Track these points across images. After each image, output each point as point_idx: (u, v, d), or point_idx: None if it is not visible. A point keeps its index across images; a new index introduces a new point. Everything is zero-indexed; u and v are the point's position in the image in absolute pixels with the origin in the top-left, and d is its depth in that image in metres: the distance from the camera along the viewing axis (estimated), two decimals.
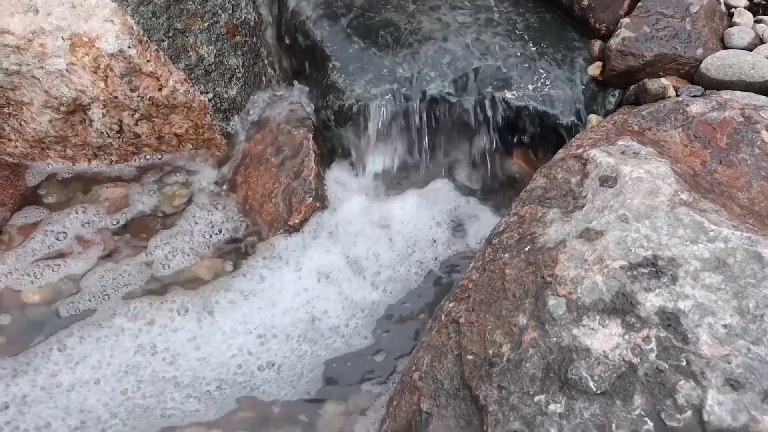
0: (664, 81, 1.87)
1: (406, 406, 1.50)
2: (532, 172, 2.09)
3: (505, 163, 2.13)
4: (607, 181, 1.59)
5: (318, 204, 1.97)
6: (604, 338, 1.33)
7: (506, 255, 1.57)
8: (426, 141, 2.09)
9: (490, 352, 1.42)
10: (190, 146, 2.19)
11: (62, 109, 2.09)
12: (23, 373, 1.70)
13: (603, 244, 1.45)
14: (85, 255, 1.98)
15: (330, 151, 2.13)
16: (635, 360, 1.29)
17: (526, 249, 1.54)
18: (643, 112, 1.82)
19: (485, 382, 1.38)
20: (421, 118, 2.05)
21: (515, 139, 2.10)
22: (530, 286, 1.47)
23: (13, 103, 2.10)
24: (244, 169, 2.10)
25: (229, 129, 2.18)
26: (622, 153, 1.67)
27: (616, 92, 2.01)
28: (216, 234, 1.99)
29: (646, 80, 1.90)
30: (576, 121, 2.00)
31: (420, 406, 1.46)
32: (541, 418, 1.29)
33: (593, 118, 1.98)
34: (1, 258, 1.96)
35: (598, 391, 1.28)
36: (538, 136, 2.06)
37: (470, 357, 1.44)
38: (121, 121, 2.12)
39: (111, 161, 2.18)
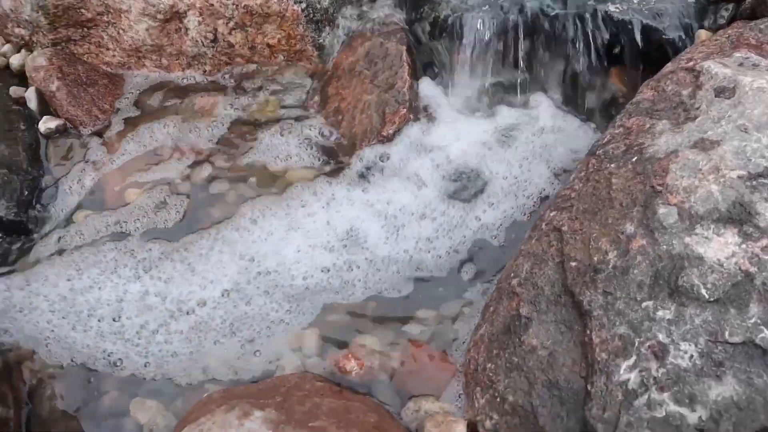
0: None
1: (504, 312, 1.50)
2: (630, 91, 2.03)
3: (604, 81, 2.06)
4: (724, 92, 1.52)
5: (411, 116, 1.96)
6: (719, 247, 1.29)
7: (612, 165, 1.53)
8: (522, 57, 2.03)
9: (595, 259, 1.40)
10: (282, 57, 2.19)
11: (159, 16, 2.11)
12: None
13: (719, 153, 1.40)
14: (181, 161, 2.02)
15: (422, 65, 2.10)
16: (753, 269, 1.25)
17: (634, 159, 1.50)
18: (761, 26, 1.72)
19: (590, 288, 1.37)
20: (518, 32, 2.00)
21: (615, 57, 2.02)
22: (638, 195, 1.43)
23: (111, 11, 2.14)
24: (336, 81, 2.09)
25: (320, 41, 2.17)
26: (740, 65, 1.59)
27: (729, 6, 1.90)
28: (307, 144, 2.00)
29: None
30: (683, 36, 1.91)
31: (519, 311, 1.46)
32: (648, 323, 1.28)
33: (702, 33, 1.89)
34: (103, 161, 2.02)
35: (711, 299, 1.26)
36: (641, 52, 1.98)
37: (573, 264, 1.43)
38: (215, 29, 2.13)
39: (205, 71, 2.21)
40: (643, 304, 1.30)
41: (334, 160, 1.96)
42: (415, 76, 2.04)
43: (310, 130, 2.04)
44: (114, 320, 1.68)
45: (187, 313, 1.69)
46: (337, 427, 1.26)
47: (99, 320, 1.68)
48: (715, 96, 1.52)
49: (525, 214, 1.82)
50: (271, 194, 1.90)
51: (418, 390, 1.53)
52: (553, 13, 1.94)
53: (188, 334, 1.65)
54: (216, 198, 1.92)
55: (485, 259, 1.76)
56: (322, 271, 1.74)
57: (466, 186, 1.88)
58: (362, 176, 1.89)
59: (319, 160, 1.97)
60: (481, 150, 1.95)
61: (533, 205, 1.84)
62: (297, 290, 1.72)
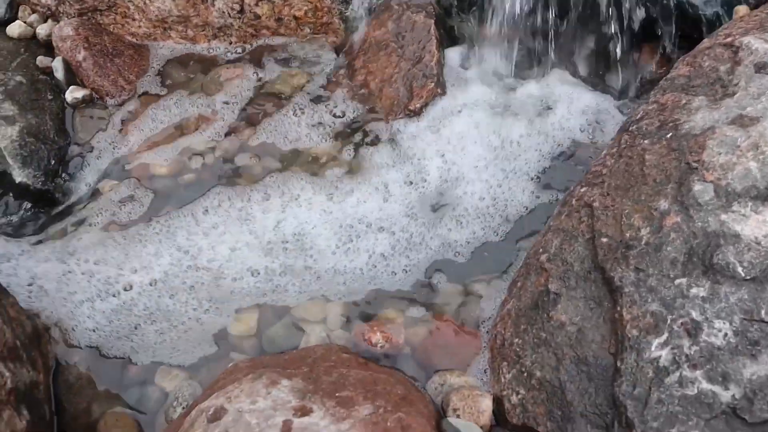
0: None
1: (532, 287, 1.49)
2: (663, 68, 1.99)
3: (635, 58, 2.03)
4: (765, 67, 1.48)
5: (439, 90, 1.94)
6: (757, 225, 1.27)
7: (645, 141, 1.50)
8: (552, 32, 2.00)
9: (627, 235, 1.38)
10: (309, 30, 2.17)
11: None
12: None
13: (759, 130, 1.36)
14: (206, 132, 2.02)
15: (450, 39, 2.07)
16: None
17: (668, 135, 1.47)
18: None
19: (621, 265, 1.35)
20: (549, 6, 1.96)
21: (648, 34, 1.98)
22: (673, 171, 1.41)
23: None
24: (363, 54, 2.07)
25: (347, 13, 2.14)
26: None
27: None
28: (334, 117, 1.99)
29: None
30: (720, 12, 1.87)
31: (548, 287, 1.44)
32: (681, 300, 1.26)
33: (741, 9, 1.84)
34: (129, 132, 2.02)
35: (747, 277, 1.23)
36: (674, 29, 1.94)
37: (604, 240, 1.41)
38: (242, 0, 2.11)
39: (230, 42, 2.19)
40: (676, 282, 1.28)
41: (360, 133, 1.94)
42: (443, 50, 2.02)
43: (336, 103, 2.02)
44: (142, 288, 1.69)
45: (234, 279, 1.69)
46: (364, 397, 1.26)
47: (124, 289, 1.69)
48: (755, 72, 1.48)
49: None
50: (297, 167, 1.89)
51: (443, 364, 1.53)
52: None
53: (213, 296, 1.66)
54: (241, 170, 1.91)
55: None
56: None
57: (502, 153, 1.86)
58: (380, 160, 1.88)
59: (345, 133, 1.96)
60: (510, 124, 1.93)
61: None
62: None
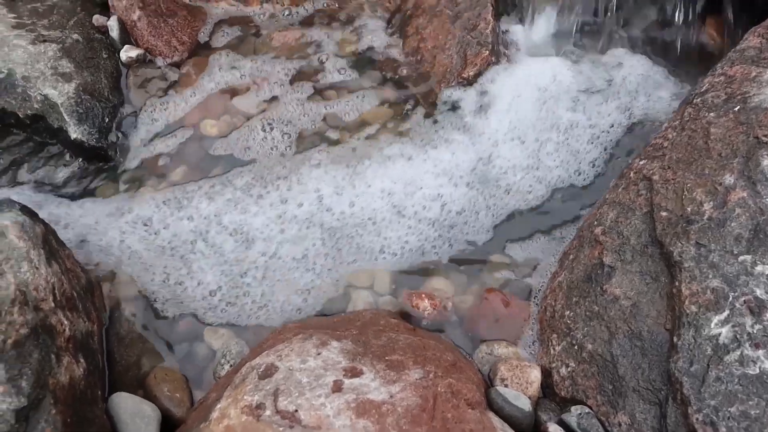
0: None
1: (585, 260, 1.46)
2: (725, 43, 1.92)
3: (697, 31, 1.96)
4: None
5: (493, 58, 1.90)
6: None
7: (711, 114, 1.45)
8: (612, 2, 1.94)
9: (689, 209, 1.34)
10: None
11: None
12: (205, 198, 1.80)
13: None
14: (257, 94, 2.01)
15: (506, 6, 2.02)
16: None
17: (736, 108, 1.42)
18: None
19: (681, 239, 1.32)
20: None
21: (713, 6, 1.91)
22: (740, 145, 1.36)
23: None
24: (416, 20, 2.04)
25: None
26: None
27: None
28: (385, 81, 1.97)
29: None
30: None
31: (602, 259, 1.42)
32: (745, 278, 1.22)
33: None
34: (181, 92, 2.03)
35: None
36: (740, 2, 1.86)
37: (664, 214, 1.37)
38: None
39: (283, 5, 2.18)
40: (740, 258, 1.24)
41: (412, 99, 1.92)
42: (498, 18, 1.97)
43: (388, 68, 2.00)
44: (190, 247, 1.70)
45: (264, 240, 1.70)
46: (414, 362, 1.25)
47: (174, 247, 1.71)
48: None
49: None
50: (347, 132, 1.88)
51: (490, 335, 1.51)
52: None
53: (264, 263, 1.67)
54: (291, 132, 1.91)
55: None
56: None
57: (554, 124, 1.82)
58: (432, 127, 1.85)
59: (396, 98, 1.94)
60: (563, 95, 1.88)
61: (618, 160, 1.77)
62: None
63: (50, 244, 1.41)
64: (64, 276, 1.38)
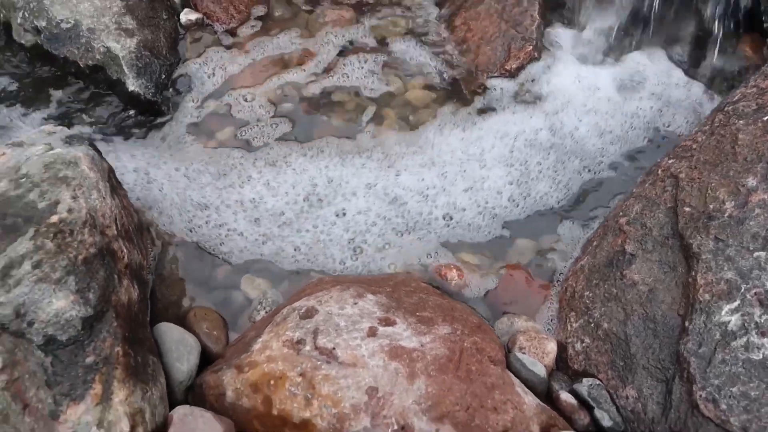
0: None
1: (608, 247, 1.55)
2: (761, 61, 2.01)
3: (734, 47, 2.04)
4: None
5: (536, 54, 1.99)
6: None
7: (740, 122, 1.54)
8: (655, 10, 2.03)
9: (711, 207, 1.43)
10: None
11: None
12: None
13: None
14: (306, 67, 2.11)
15: (552, 4, 2.11)
16: None
17: (765, 118, 1.51)
18: None
19: (701, 233, 1.41)
20: None
21: (753, 23, 2.00)
22: (765, 151, 1.45)
23: None
24: (465, 12, 2.13)
25: None
26: None
27: None
28: (430, 67, 2.06)
29: None
30: None
31: (624, 247, 1.51)
32: (758, 272, 1.31)
33: None
34: (234, 58, 2.13)
35: None
36: None
37: (687, 209, 1.47)
38: None
39: None
40: (755, 254, 1.33)
41: (454, 86, 2.02)
42: (544, 15, 2.06)
43: (434, 55, 2.10)
44: (230, 202, 1.81)
45: (322, 206, 1.80)
46: (443, 319, 1.35)
47: (215, 203, 1.81)
48: None
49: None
50: (389, 109, 1.98)
51: (511, 308, 1.61)
52: None
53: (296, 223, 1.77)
54: (337, 105, 2.01)
55: None
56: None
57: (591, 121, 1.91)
58: (471, 114, 1.95)
59: (440, 84, 2.03)
60: (597, 97, 1.97)
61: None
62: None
63: (112, 180, 1.52)
64: (123, 211, 1.48)
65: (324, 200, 1.81)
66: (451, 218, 1.77)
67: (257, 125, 1.99)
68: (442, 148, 1.88)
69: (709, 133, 1.58)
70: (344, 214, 1.79)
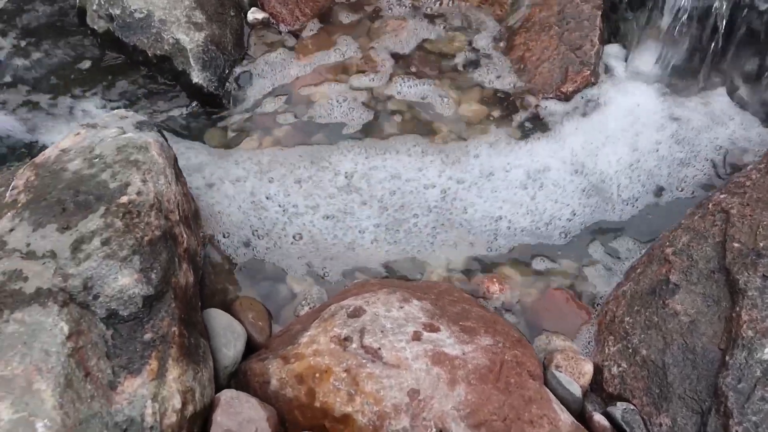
0: None
1: (652, 275, 1.57)
2: None
3: None
4: None
5: (593, 79, 2.02)
6: None
7: None
8: (716, 45, 2.03)
9: (761, 244, 1.44)
10: None
11: None
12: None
13: None
14: (366, 74, 2.16)
15: (611, 32, 2.14)
16: None
17: None
18: None
19: (749, 270, 1.42)
20: (719, 19, 1.99)
21: None
22: None
23: None
24: (525, 32, 2.17)
25: None
26: None
27: None
28: (487, 83, 2.10)
29: None
30: None
31: (669, 277, 1.52)
32: None
33: None
34: (297, 59, 2.20)
35: None
36: None
37: (736, 245, 1.48)
38: None
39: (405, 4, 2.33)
40: None
41: (510, 104, 2.05)
42: (603, 41, 2.09)
43: (492, 72, 2.13)
44: (282, 199, 1.86)
45: (364, 204, 1.85)
46: (485, 331, 1.38)
47: (267, 198, 1.86)
48: None
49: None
50: (442, 124, 2.02)
51: (550, 327, 1.63)
52: (764, 8, 1.93)
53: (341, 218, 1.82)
54: (393, 114, 2.05)
55: None
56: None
57: (639, 154, 1.93)
58: (524, 133, 1.98)
59: (495, 101, 2.07)
60: (652, 127, 1.99)
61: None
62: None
63: (176, 167, 1.58)
64: (184, 198, 1.54)
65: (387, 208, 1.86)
66: (497, 232, 1.80)
67: (314, 125, 2.04)
68: (493, 163, 1.92)
69: (764, 172, 1.59)
70: (405, 223, 1.83)
